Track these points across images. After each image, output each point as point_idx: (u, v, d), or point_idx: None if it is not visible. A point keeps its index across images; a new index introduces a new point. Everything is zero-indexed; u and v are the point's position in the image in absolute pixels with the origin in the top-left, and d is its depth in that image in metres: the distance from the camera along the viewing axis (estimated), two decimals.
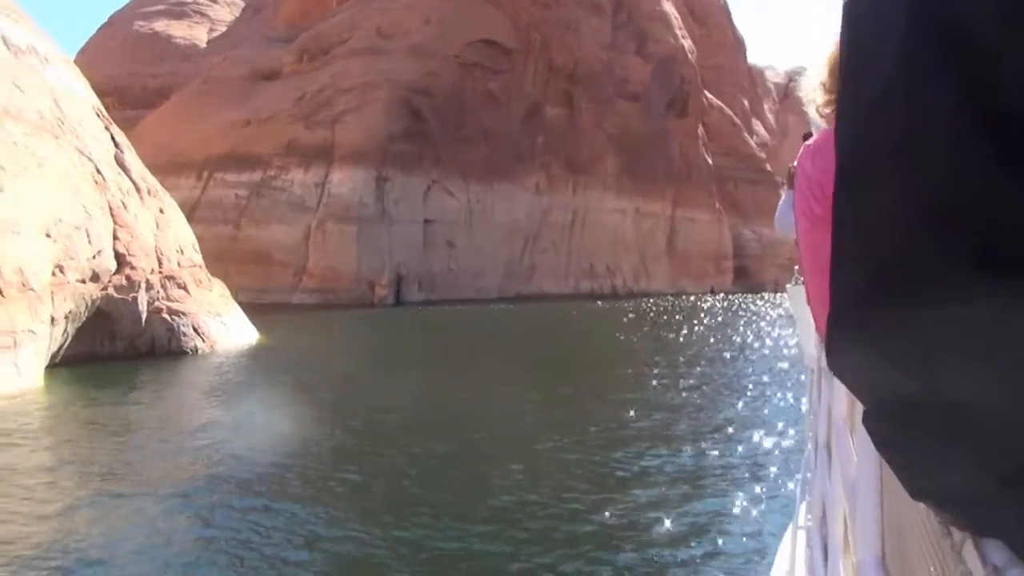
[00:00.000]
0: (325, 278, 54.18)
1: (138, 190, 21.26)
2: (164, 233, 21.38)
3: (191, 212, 58.89)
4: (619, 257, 80.00)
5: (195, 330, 20.76)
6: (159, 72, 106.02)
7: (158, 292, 20.07)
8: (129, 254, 18.96)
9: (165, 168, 62.58)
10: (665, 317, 47.21)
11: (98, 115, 21.67)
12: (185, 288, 21.11)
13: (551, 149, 73.48)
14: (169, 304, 20.36)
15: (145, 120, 77.09)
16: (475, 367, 21.50)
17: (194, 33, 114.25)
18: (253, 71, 73.97)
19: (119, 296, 18.62)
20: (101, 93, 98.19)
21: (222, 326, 22.24)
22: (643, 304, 62.57)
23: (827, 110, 1.54)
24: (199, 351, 20.70)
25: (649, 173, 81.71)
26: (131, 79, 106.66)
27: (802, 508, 3.97)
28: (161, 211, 22.10)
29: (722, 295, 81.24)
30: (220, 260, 55.68)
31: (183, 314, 20.56)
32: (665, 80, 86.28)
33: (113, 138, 21.55)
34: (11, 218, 14.42)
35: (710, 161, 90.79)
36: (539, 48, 72.85)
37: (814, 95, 1.56)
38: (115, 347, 19.12)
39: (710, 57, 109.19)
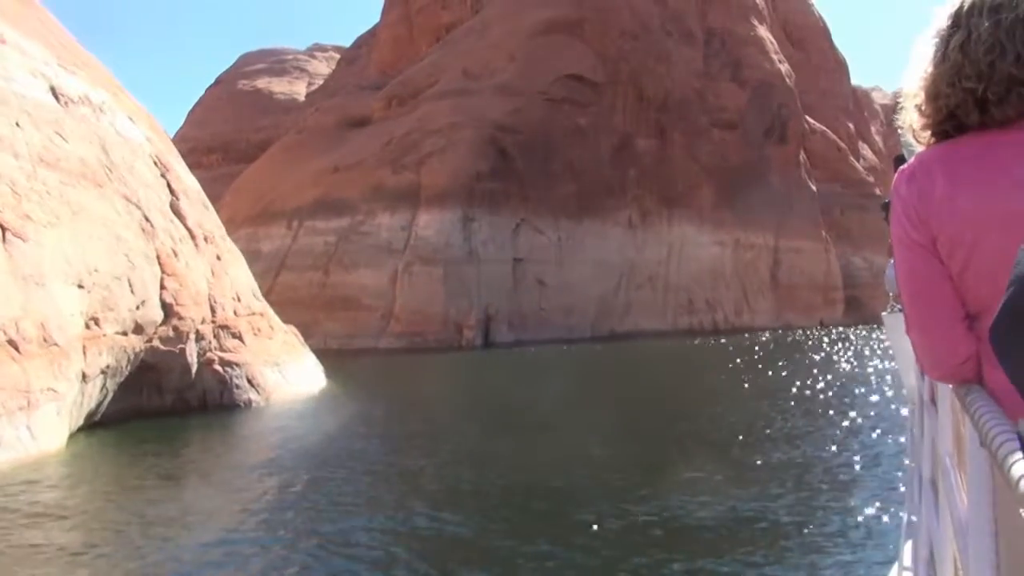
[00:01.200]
0: (412, 321, 53.43)
1: (193, 237, 20.61)
2: (219, 281, 20.60)
3: (283, 260, 59.59)
4: (719, 291, 76.75)
5: (249, 382, 19.77)
6: (261, 126, 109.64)
7: (210, 342, 19.20)
8: (177, 303, 18.16)
9: (259, 218, 63.82)
10: (769, 354, 44.20)
11: (155, 163, 21.21)
12: (240, 337, 20.20)
13: (643, 182, 71.41)
14: (222, 355, 19.46)
15: (244, 172, 79.23)
16: (570, 416, 19.73)
17: (294, 88, 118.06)
18: (344, 119, 75.06)
19: (165, 348, 17.79)
20: (208, 150, 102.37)
21: (280, 376, 21.21)
22: (745, 340, 59.35)
23: (925, 134, 1.52)
24: (253, 404, 19.66)
25: (748, 203, 78.40)
26: (236, 134, 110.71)
27: (907, 548, 3.86)
28: (218, 258, 21.39)
29: (832, 328, 76.69)
30: (311, 307, 55.91)
31: (237, 365, 19.61)
32: (762, 106, 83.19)
33: (169, 185, 21.02)
34: (34, 269, 13.68)
35: (814, 188, 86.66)
36: (628, 80, 71.26)
37: (910, 119, 1.54)
38: (163, 401, 18.28)
39: (811, 81, 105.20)
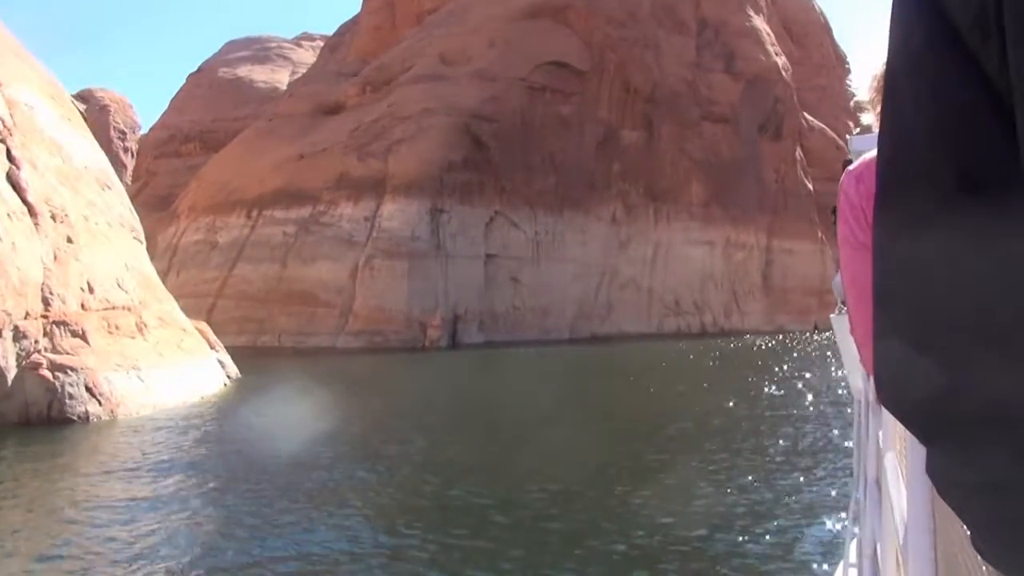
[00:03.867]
0: (372, 319, 49.79)
1: (33, 214, 17.02)
2: (63, 268, 17.00)
3: (240, 252, 55.97)
4: (708, 293, 73.13)
5: (89, 390, 16.17)
6: (240, 115, 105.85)
7: (36, 342, 15.63)
8: None
9: (219, 208, 60.20)
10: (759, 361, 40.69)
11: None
12: (83, 336, 16.62)
13: (629, 176, 67.79)
14: (54, 357, 15.87)
15: (211, 160, 75.67)
16: (532, 421, 16.31)
17: (276, 76, 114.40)
18: (318, 106, 71.41)
19: None
20: (186, 138, 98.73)
21: (138, 383, 17.60)
22: (732, 344, 55.80)
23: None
24: (92, 417, 16.06)
25: (740, 201, 74.81)
26: (214, 123, 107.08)
27: (852, 546, 3.96)
28: (69, 240, 17.77)
29: (827, 332, 73.04)
30: (265, 302, 52.36)
31: (73, 370, 16.01)
32: (757, 100, 79.52)
33: (9, 152, 17.42)
34: None
35: (811, 187, 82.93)
36: (614, 69, 67.59)
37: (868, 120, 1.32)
38: None
39: (811, 78, 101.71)
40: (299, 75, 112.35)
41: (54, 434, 15.04)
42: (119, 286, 18.92)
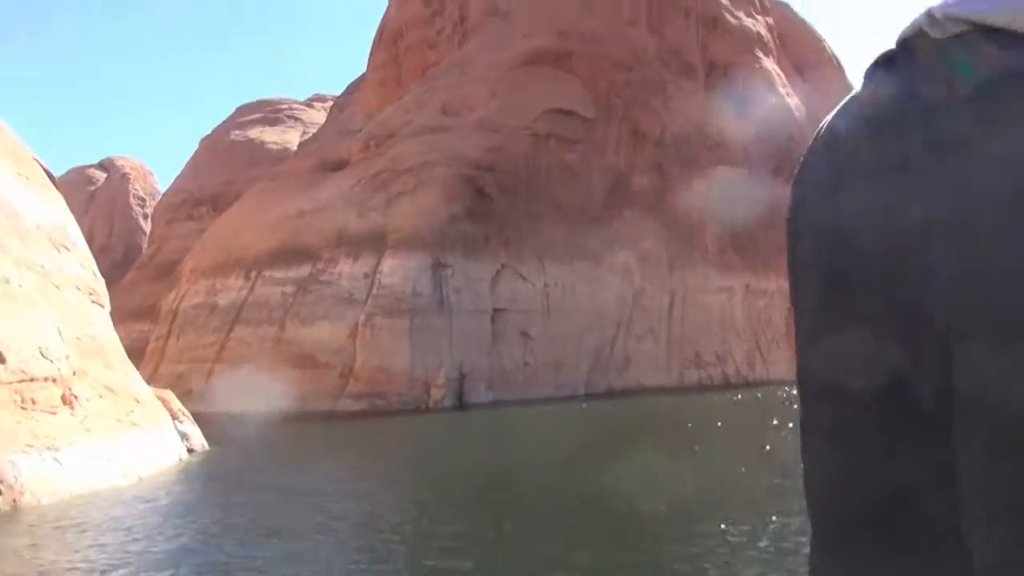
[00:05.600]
0: (373, 380, 47.46)
1: None
2: None
3: (238, 314, 54.14)
4: (729, 342, 70.18)
5: None
6: (251, 177, 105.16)
7: None
8: None
9: (218, 269, 58.64)
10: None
11: None
12: None
13: (640, 224, 65.55)
14: None
15: (215, 222, 74.56)
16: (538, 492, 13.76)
17: (286, 137, 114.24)
18: (321, 163, 70.27)
19: None
20: (198, 201, 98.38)
21: (54, 465, 15.34)
22: (757, 396, 52.77)
23: None
24: None
25: (758, 246, 72.20)
26: (225, 186, 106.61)
27: None
28: None
29: None
30: (264, 365, 50.21)
31: None
32: (770, 143, 77.42)
33: None
34: None
35: None
36: (621, 114, 66.03)
37: None
38: None
39: (823, 115, 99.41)
40: (309, 135, 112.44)
41: None
42: (42, 355, 16.81)
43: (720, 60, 78.13)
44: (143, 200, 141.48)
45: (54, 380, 17.00)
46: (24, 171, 25.95)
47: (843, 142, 0.71)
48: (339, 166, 68.13)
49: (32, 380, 16.21)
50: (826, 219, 0.67)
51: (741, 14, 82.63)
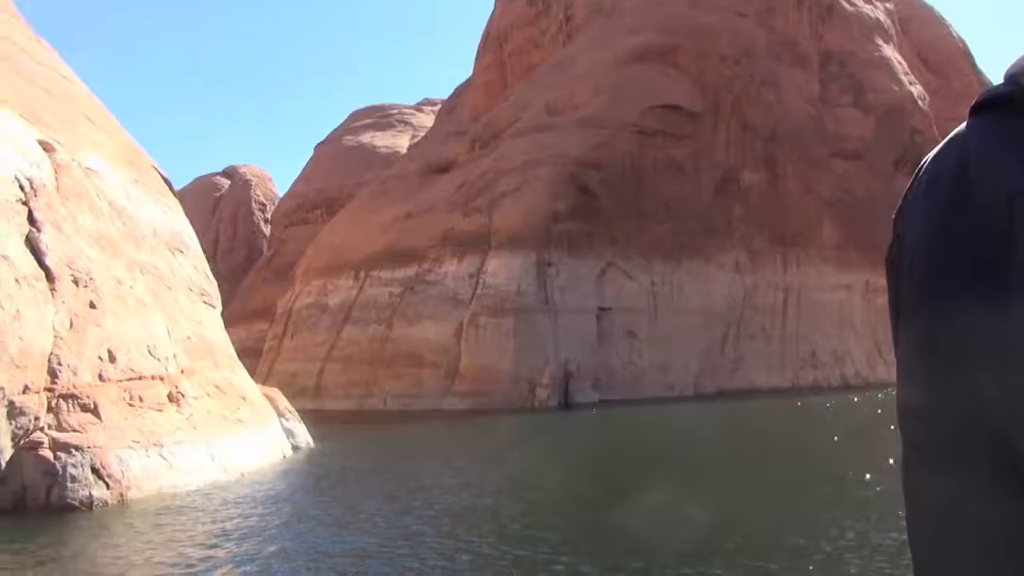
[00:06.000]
0: (478, 379, 47.64)
1: (51, 278, 15.75)
2: (79, 336, 15.53)
3: (348, 314, 55.40)
4: (848, 341, 67.24)
5: (96, 472, 14.47)
6: (363, 181, 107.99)
7: (37, 419, 14.12)
8: None
9: (329, 271, 60.21)
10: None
11: (23, 187, 16.63)
12: (95, 411, 15.03)
13: (752, 220, 63.58)
14: (58, 436, 14.30)
15: (327, 225, 76.67)
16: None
17: (397, 141, 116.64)
18: (428, 165, 71.30)
19: None
20: (313, 205, 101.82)
21: (159, 461, 15.84)
22: (879, 395, 50.23)
23: None
24: (96, 503, 14.32)
25: (879, 241, 68.41)
26: (338, 190, 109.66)
27: None
28: (92, 306, 16.39)
29: None
30: (372, 364, 51.26)
31: (78, 449, 14.39)
32: (892, 133, 73.84)
33: (31, 214, 16.33)
34: None
35: None
36: (730, 109, 64.13)
37: None
38: None
39: (952, 108, 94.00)
40: (418, 138, 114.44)
41: (44, 526, 13.31)
42: (150, 354, 17.43)
43: (836, 49, 74.95)
44: (264, 205, 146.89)
45: (161, 378, 17.63)
46: (142, 178, 27.14)
47: (945, 185, 0.68)
48: (445, 168, 68.91)
49: (140, 378, 16.84)
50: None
51: (858, 0, 79.05)
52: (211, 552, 11.96)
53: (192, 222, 30.00)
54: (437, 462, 23.40)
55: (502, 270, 50.51)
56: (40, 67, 25.98)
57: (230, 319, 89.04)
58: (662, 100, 61.34)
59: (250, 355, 69.21)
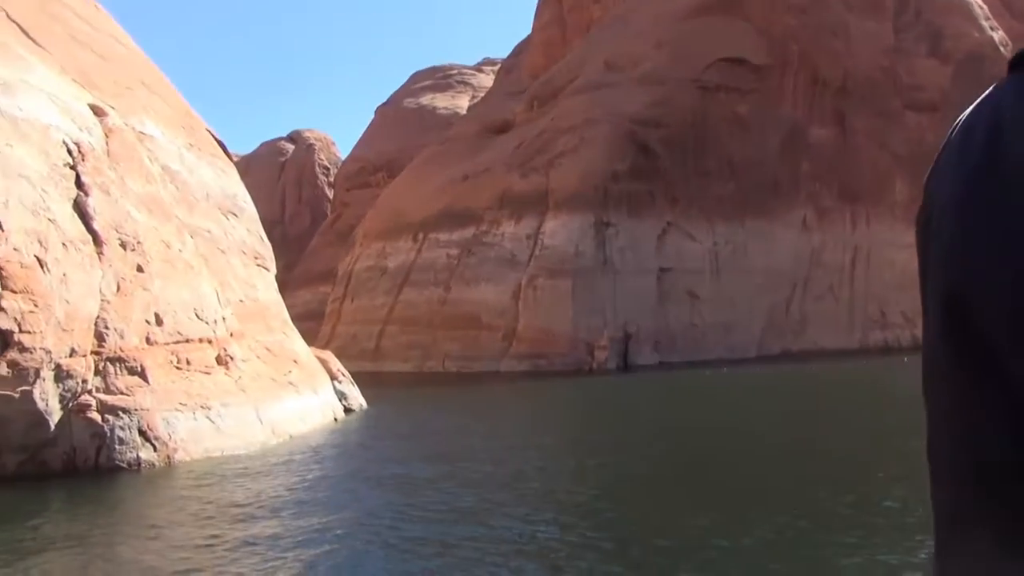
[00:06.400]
0: (536, 341, 47.38)
1: (99, 243, 15.84)
2: (125, 299, 15.63)
3: (407, 276, 55.57)
4: (918, 301, 63.77)
5: (143, 434, 14.61)
6: (423, 143, 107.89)
7: (85, 382, 14.27)
8: (21, 330, 13.35)
9: (388, 233, 60.38)
10: None
11: (71, 152, 16.71)
12: (142, 374, 15.14)
13: (819, 177, 61.53)
14: (105, 398, 14.45)
15: (387, 188, 76.84)
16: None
17: (456, 102, 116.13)
18: (486, 126, 70.74)
19: None
20: (375, 168, 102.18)
21: (207, 424, 15.93)
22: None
23: None
24: (144, 464, 14.48)
25: None
26: (399, 152, 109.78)
27: None
28: (139, 269, 16.48)
29: None
30: (430, 326, 51.42)
31: (126, 411, 14.53)
32: (971, 82, 69.98)
33: (79, 178, 16.42)
34: None
35: None
36: (798, 61, 61.79)
37: None
38: (3, 465, 13.52)
39: None
40: (478, 99, 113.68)
41: (87, 488, 13.51)
42: (198, 316, 17.51)
43: None
44: (327, 169, 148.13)
45: (209, 341, 17.73)
46: (196, 142, 27.28)
47: (975, 147, 0.67)
48: (503, 128, 68.23)
49: (187, 341, 16.95)
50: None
51: None
52: (249, 513, 11.93)
53: (259, 187, 30.13)
54: (490, 425, 23.23)
55: (560, 231, 49.91)
56: (97, 33, 26.19)
57: (296, 282, 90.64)
58: (726, 53, 59.38)
59: (315, 318, 70.31)
